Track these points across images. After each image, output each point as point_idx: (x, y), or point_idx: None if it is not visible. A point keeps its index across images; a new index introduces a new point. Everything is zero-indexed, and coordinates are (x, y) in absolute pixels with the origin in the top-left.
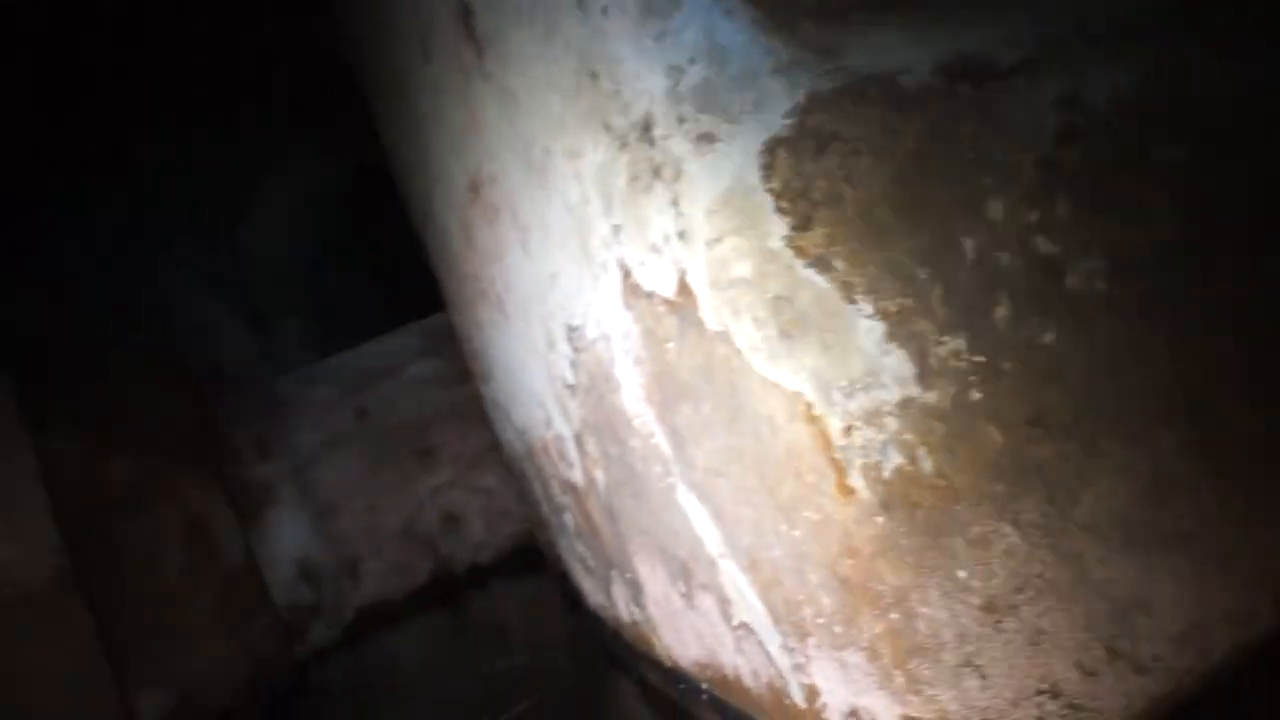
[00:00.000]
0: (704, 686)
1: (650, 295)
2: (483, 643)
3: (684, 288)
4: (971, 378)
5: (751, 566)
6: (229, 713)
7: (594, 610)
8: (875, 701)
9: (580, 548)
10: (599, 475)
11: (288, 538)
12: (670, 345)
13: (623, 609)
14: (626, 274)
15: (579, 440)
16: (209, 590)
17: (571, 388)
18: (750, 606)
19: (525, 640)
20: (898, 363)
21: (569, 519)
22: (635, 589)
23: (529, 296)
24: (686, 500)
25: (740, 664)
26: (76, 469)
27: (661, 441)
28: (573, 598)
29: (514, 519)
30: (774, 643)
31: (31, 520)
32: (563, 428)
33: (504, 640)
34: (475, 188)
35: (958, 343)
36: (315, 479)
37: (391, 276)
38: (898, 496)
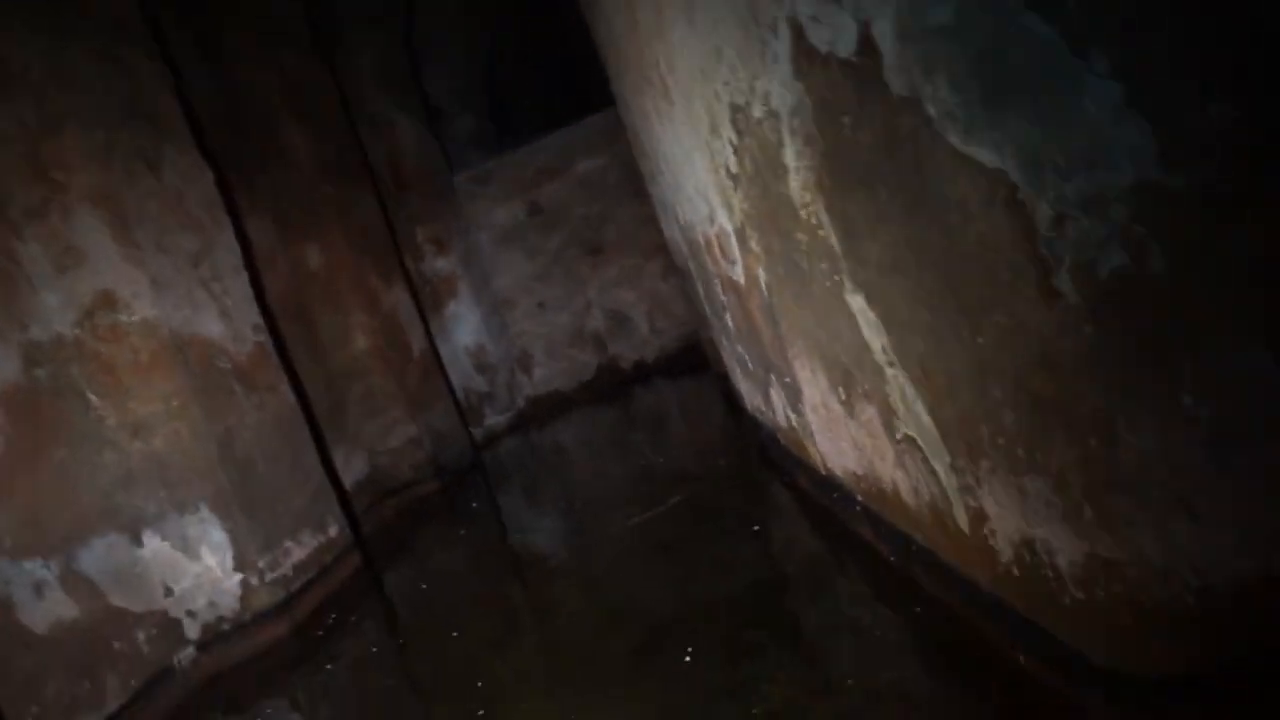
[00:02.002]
0: (859, 498)
1: (825, 59)
2: (644, 436)
3: (867, 44)
4: (1238, 161)
5: (923, 377)
6: (411, 484)
7: (752, 413)
8: (1056, 534)
9: (740, 349)
10: (761, 273)
11: (465, 329)
12: (846, 119)
13: (780, 413)
14: (798, 34)
15: (741, 234)
16: (395, 373)
17: (735, 177)
18: (917, 420)
19: (685, 437)
20: (1136, 136)
21: (730, 320)
22: (794, 394)
23: (692, 76)
24: (854, 301)
25: (900, 479)
26: (272, 256)
27: (830, 234)
28: (732, 399)
29: (678, 319)
30: (941, 461)
31: (237, 301)
32: (725, 221)
33: (663, 435)
34: None
35: (1224, 111)
36: (490, 274)
37: (564, 72)
38: (1114, 303)
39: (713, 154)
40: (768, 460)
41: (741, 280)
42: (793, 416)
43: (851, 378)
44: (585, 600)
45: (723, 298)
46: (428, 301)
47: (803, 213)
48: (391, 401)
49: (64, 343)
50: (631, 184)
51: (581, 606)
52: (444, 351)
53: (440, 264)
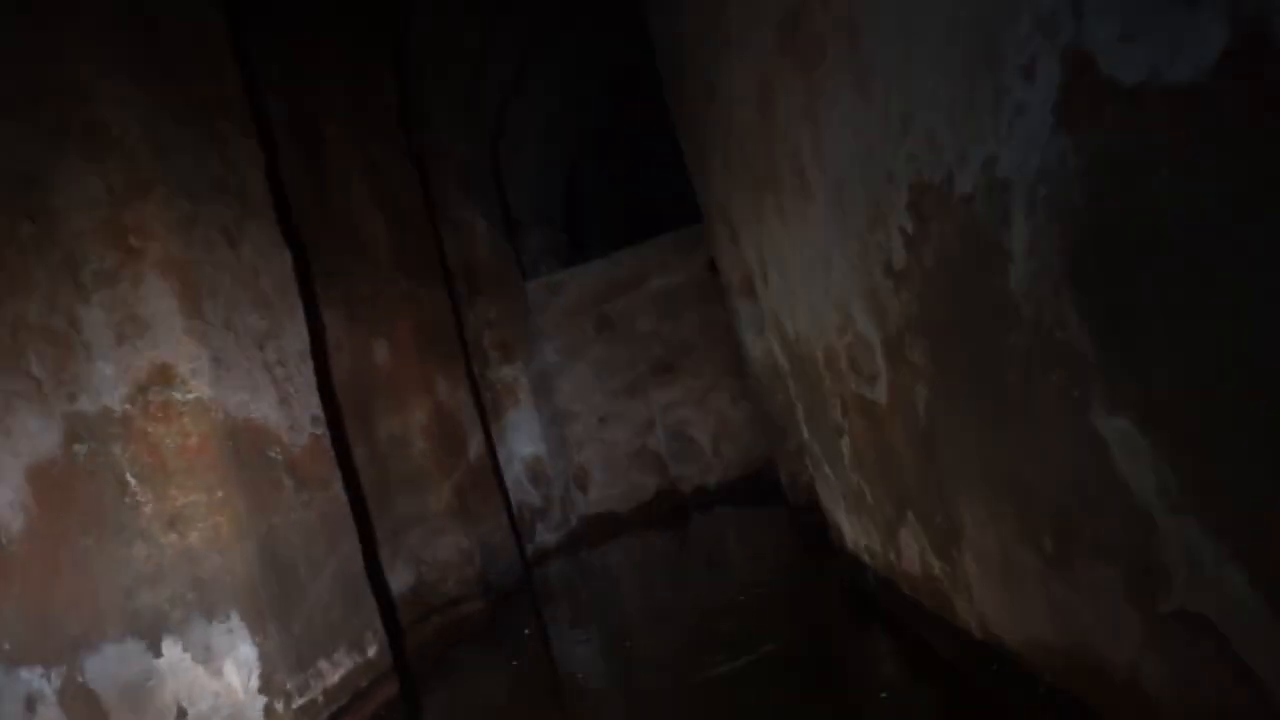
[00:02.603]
0: (1046, 677)
1: (1134, 94)
2: (706, 569)
3: (1242, 56)
4: None
5: (1242, 532)
6: (457, 601)
7: (853, 552)
8: None
9: (855, 479)
10: (920, 390)
11: (523, 439)
12: (1155, 175)
13: (913, 558)
14: (1082, 68)
15: (894, 345)
16: (451, 479)
17: (899, 275)
18: (1218, 591)
19: (752, 574)
20: None
21: (847, 446)
22: (946, 537)
23: (852, 159)
24: (1108, 425)
25: (1150, 667)
26: (339, 346)
27: (1076, 338)
28: (809, 535)
29: (744, 445)
30: (1269, 655)
31: (300, 389)
32: (869, 330)
33: (728, 569)
34: (794, 19)
35: None
36: (554, 386)
37: (639, 191)
38: None
39: (866, 250)
40: (872, 609)
41: (882, 400)
42: (936, 564)
43: (1073, 525)
44: None
45: (839, 420)
46: (489, 407)
47: (1027, 310)
48: (444, 509)
49: (111, 418)
50: (704, 304)
51: None
52: (501, 460)
53: (505, 371)
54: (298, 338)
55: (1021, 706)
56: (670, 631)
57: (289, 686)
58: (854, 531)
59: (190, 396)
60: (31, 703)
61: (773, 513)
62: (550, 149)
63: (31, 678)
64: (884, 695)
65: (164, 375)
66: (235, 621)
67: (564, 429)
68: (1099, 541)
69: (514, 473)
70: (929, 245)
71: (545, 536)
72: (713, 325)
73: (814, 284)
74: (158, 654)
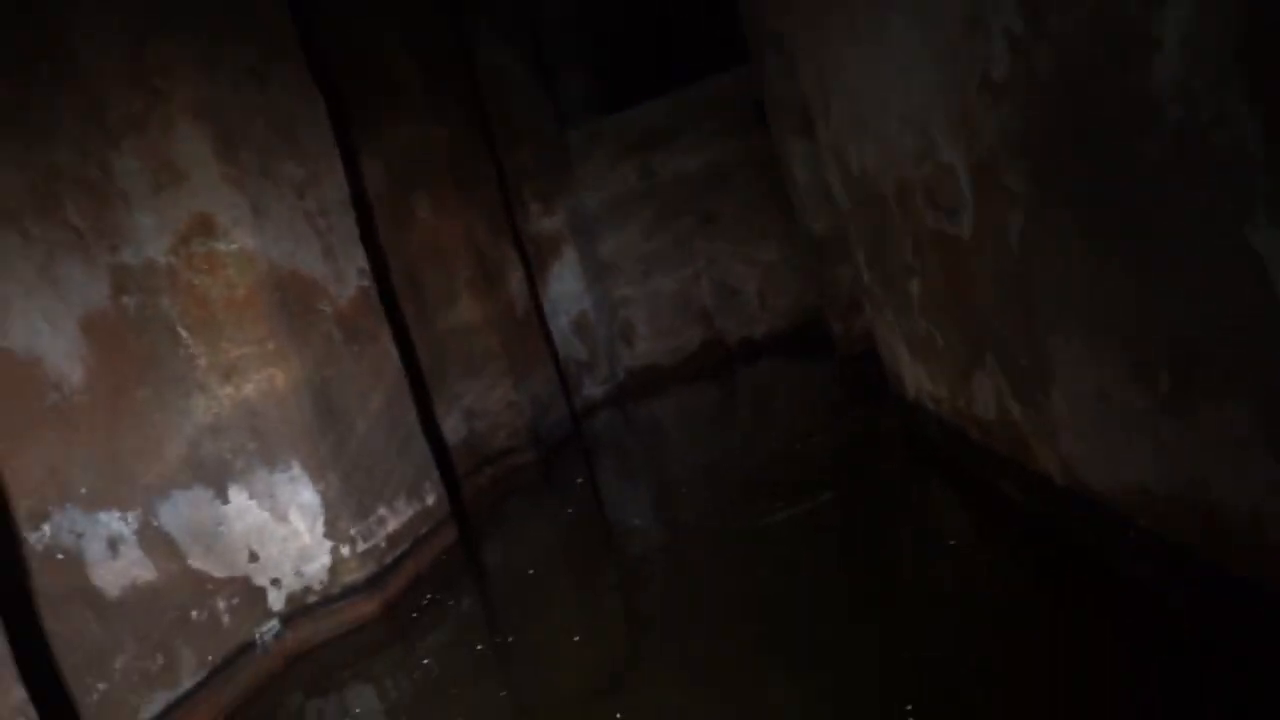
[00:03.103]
0: (1140, 521)
1: None
2: (755, 420)
3: None
4: None
5: None
6: (508, 452)
7: (915, 400)
8: None
9: (923, 324)
10: (1015, 219)
11: (568, 294)
12: None
13: (985, 402)
14: None
15: (985, 170)
16: (500, 332)
17: (998, 87)
18: None
19: (804, 424)
20: None
21: (915, 287)
22: (1034, 377)
23: None
24: (1272, 241)
25: (1270, 506)
26: (380, 200)
27: (1243, 135)
28: (875, 385)
29: (792, 296)
30: None
31: (343, 239)
32: (953, 155)
33: (778, 420)
34: None
35: None
36: (597, 237)
37: (680, 31)
38: None
39: (957, 62)
40: (937, 459)
41: (964, 233)
42: (1015, 408)
43: (1198, 359)
44: (705, 605)
45: (909, 261)
46: (532, 260)
47: (1174, 111)
48: (494, 362)
49: (156, 270)
50: (751, 151)
51: (699, 611)
52: (546, 314)
53: (546, 223)
54: (337, 187)
55: (1107, 550)
56: (720, 482)
57: (353, 532)
58: (918, 379)
59: (233, 247)
60: (113, 544)
61: (823, 364)
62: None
63: (110, 520)
64: (952, 543)
65: (204, 225)
66: (296, 470)
67: (608, 281)
68: (1230, 377)
69: (559, 326)
70: (1042, 47)
71: (592, 390)
72: (760, 173)
73: (888, 110)
74: (225, 500)
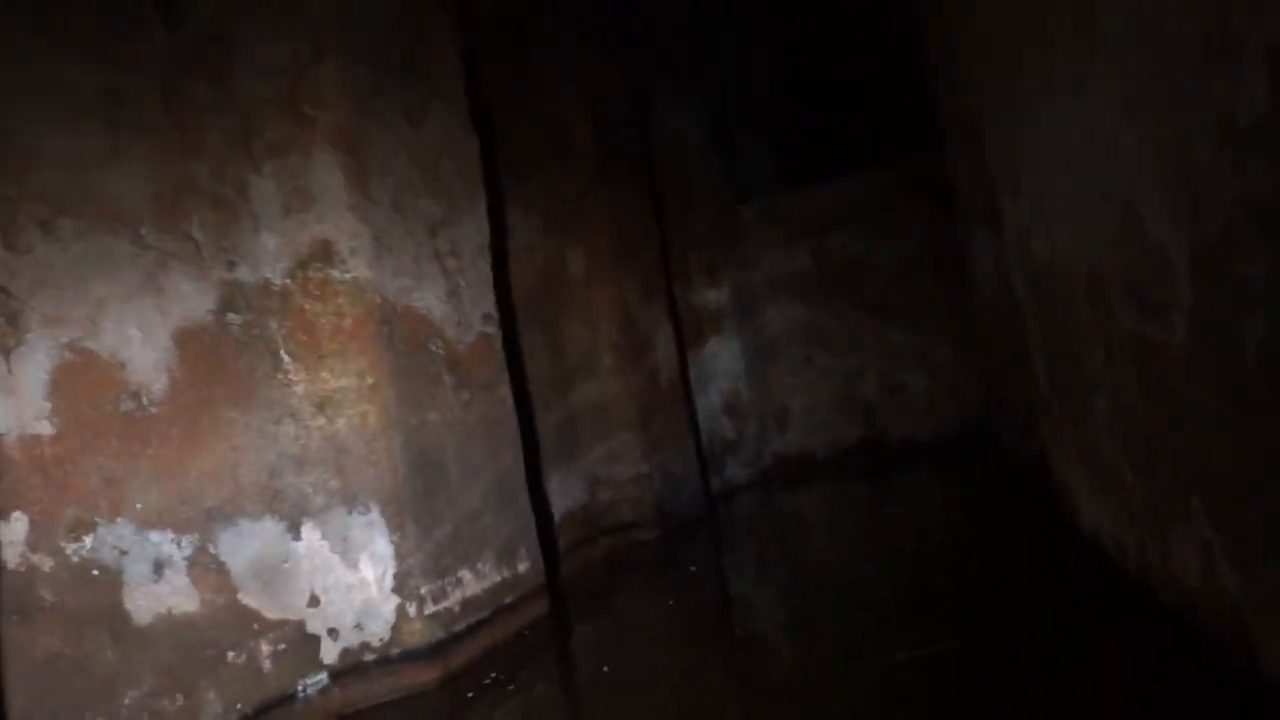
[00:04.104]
0: None
1: None
2: (911, 529)
3: None
4: None
5: None
6: (629, 526)
7: (1093, 538)
8: None
9: (1109, 449)
10: (1248, 323)
11: (722, 370)
12: None
13: (1188, 562)
14: None
15: (1211, 255)
16: (637, 399)
17: (1246, 136)
18: None
19: (964, 546)
20: None
21: (1102, 403)
22: (1265, 543)
23: None
24: None
25: None
26: (530, 251)
27: None
28: (1047, 510)
29: (962, 400)
30: None
31: (472, 283)
32: (1166, 234)
33: (936, 533)
34: None
35: None
36: (761, 316)
37: (868, 112)
38: None
39: (1184, 110)
40: (1116, 615)
41: (1177, 337)
42: (1232, 576)
43: None
44: None
45: (1098, 370)
46: (689, 332)
47: None
48: (627, 431)
49: (270, 291)
50: (933, 241)
51: None
52: (695, 389)
53: (710, 295)
54: (476, 230)
55: None
56: (858, 599)
57: (423, 591)
58: (1098, 513)
59: (348, 276)
60: (159, 566)
61: (990, 479)
62: (770, 61)
63: (162, 541)
64: None
65: (324, 252)
66: (375, 515)
67: (766, 363)
68: None
69: (708, 402)
70: None
71: (735, 471)
72: (939, 266)
73: (1085, 185)
74: (296, 537)
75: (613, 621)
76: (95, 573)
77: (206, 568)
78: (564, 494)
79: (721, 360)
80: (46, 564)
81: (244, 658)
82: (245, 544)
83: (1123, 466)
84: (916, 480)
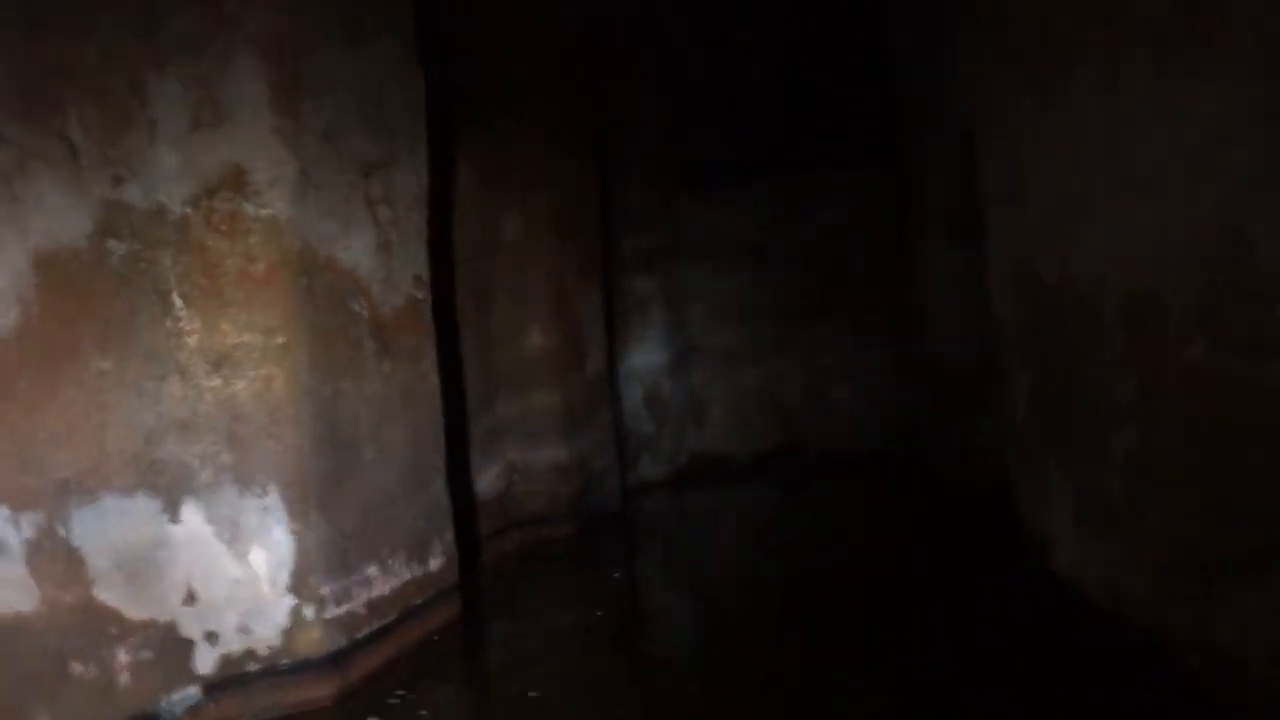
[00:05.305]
0: None
1: None
2: (831, 551)
3: None
4: None
5: None
6: (544, 520)
7: (1067, 579)
8: None
9: (1121, 491)
10: None
11: (646, 361)
12: None
13: (1248, 636)
14: None
15: None
16: (563, 389)
17: None
18: None
19: (886, 566)
20: None
21: (1128, 440)
22: None
23: None
24: None
25: None
26: (464, 210)
27: None
28: (991, 541)
29: (888, 415)
30: None
31: (404, 237)
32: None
33: (850, 549)
34: None
35: None
36: (690, 309)
37: (818, 119)
38: None
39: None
40: (1097, 677)
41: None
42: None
43: None
44: None
45: (1126, 400)
46: (617, 320)
47: None
48: (550, 417)
49: (164, 220)
50: (873, 251)
51: None
52: (618, 380)
53: (641, 284)
54: (414, 176)
55: None
56: (773, 616)
57: (324, 591)
58: (1084, 556)
59: (264, 212)
60: None
61: (916, 499)
62: (716, 55)
63: None
64: None
65: (237, 179)
66: (273, 499)
67: (691, 357)
68: None
69: (629, 394)
70: None
71: (650, 468)
72: (880, 280)
73: (1142, 195)
74: (175, 519)
75: (524, 627)
76: None
77: (54, 555)
78: (480, 482)
79: (647, 351)
80: None
81: (94, 670)
82: (108, 526)
83: (1142, 509)
84: (834, 492)
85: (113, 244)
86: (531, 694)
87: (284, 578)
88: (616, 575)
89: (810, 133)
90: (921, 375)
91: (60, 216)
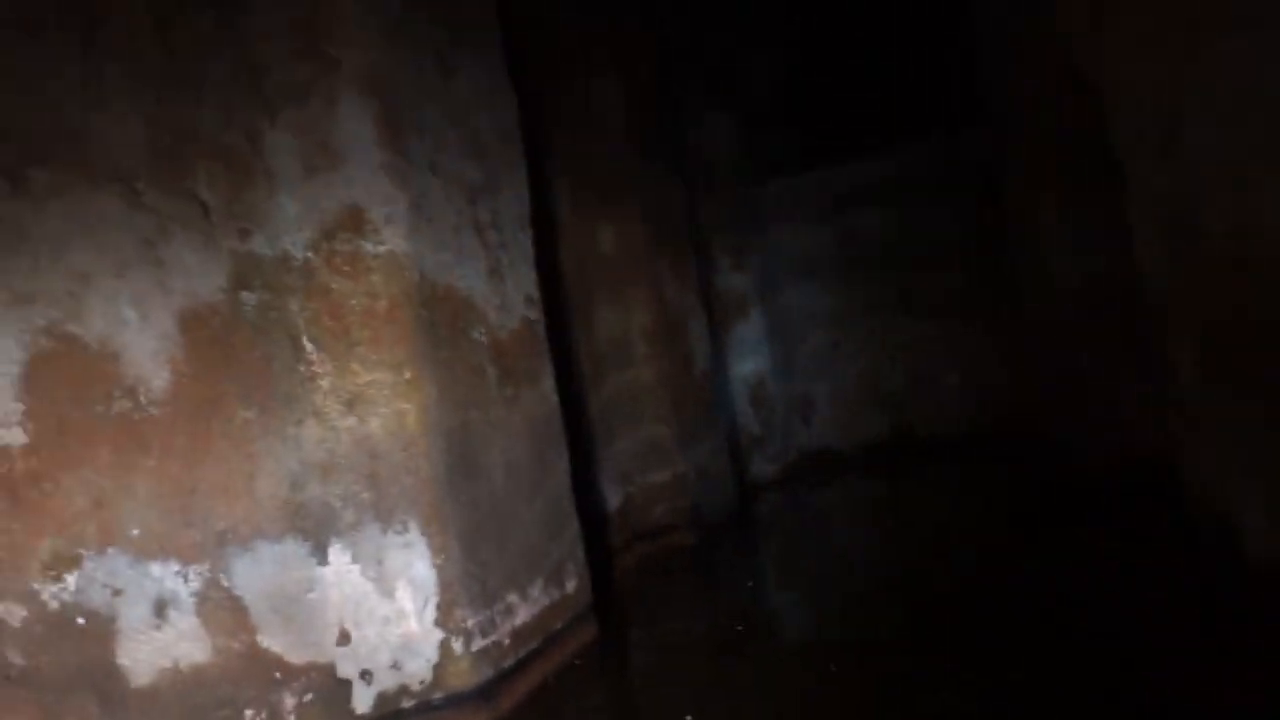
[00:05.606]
0: None
1: None
2: (959, 538)
3: None
4: None
5: None
6: (665, 530)
7: (1268, 565)
8: None
9: None
10: None
11: (748, 358)
12: None
13: None
14: None
15: None
16: (672, 395)
17: None
18: None
19: (1026, 557)
20: None
21: None
22: None
23: None
24: None
25: None
26: (561, 226)
27: None
28: (1141, 519)
29: (997, 395)
30: None
31: (514, 260)
32: None
33: (978, 541)
34: None
35: None
36: (785, 302)
37: (897, 91)
38: None
39: None
40: None
41: None
42: None
43: None
44: None
45: None
46: (717, 320)
47: None
48: (661, 423)
49: (290, 266)
50: (970, 224)
51: None
52: (722, 379)
53: (735, 280)
54: (517, 199)
55: None
56: (925, 628)
57: (469, 623)
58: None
59: (382, 249)
60: (161, 606)
61: (1038, 478)
62: (791, 46)
63: (164, 575)
64: None
65: (354, 221)
66: (414, 534)
67: (792, 351)
68: None
69: (735, 394)
70: None
71: (763, 467)
72: (976, 251)
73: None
74: (323, 561)
75: (661, 642)
76: (81, 621)
77: (219, 605)
78: (602, 499)
79: (747, 348)
80: (17, 615)
81: (265, 716)
82: (264, 572)
83: None
84: (950, 479)
85: (245, 295)
86: (676, 692)
87: (430, 612)
88: (750, 584)
89: (886, 103)
90: (1037, 346)
91: (198, 274)
